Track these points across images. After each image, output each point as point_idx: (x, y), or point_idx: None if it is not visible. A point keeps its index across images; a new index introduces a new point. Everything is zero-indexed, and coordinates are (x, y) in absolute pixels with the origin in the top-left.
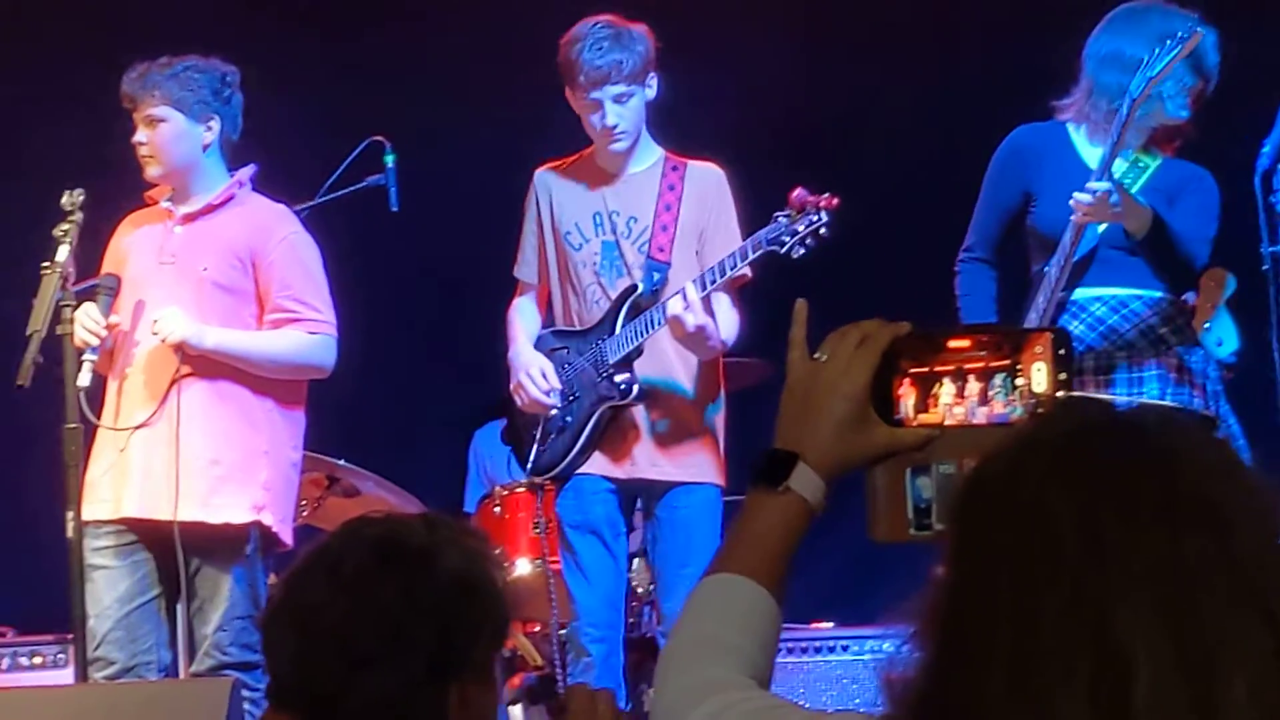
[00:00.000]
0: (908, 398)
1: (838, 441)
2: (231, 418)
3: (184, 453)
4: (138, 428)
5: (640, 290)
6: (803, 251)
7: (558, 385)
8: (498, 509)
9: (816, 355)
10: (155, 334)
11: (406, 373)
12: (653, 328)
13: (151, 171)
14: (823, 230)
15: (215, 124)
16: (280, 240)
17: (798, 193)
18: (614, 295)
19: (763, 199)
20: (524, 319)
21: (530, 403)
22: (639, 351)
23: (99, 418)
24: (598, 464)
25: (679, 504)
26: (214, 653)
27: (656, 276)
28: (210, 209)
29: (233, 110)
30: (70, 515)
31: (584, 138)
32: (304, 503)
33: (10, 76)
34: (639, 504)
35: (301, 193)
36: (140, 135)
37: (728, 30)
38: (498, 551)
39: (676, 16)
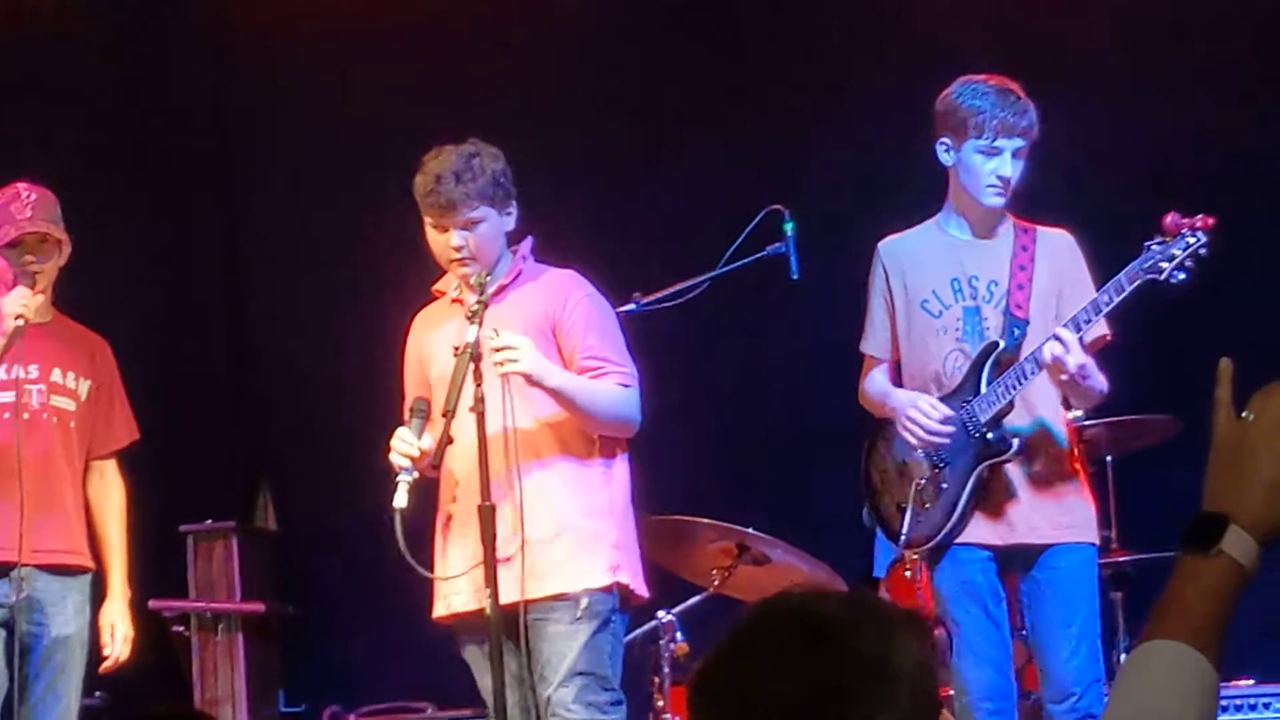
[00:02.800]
0: None
1: (1269, 502)
2: (570, 488)
3: (533, 532)
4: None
5: (1002, 347)
6: (1183, 276)
7: (950, 413)
8: (909, 573)
9: (1243, 415)
10: (500, 360)
11: (811, 438)
12: (1024, 380)
13: (467, 271)
14: (1202, 251)
15: (513, 207)
16: (576, 303)
17: (1171, 217)
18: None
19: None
20: (886, 384)
21: (927, 436)
22: (1010, 407)
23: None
24: (974, 531)
25: (1059, 564)
26: (560, 711)
27: (1017, 333)
28: (501, 290)
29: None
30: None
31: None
32: (714, 572)
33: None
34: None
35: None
36: (456, 239)
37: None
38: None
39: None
